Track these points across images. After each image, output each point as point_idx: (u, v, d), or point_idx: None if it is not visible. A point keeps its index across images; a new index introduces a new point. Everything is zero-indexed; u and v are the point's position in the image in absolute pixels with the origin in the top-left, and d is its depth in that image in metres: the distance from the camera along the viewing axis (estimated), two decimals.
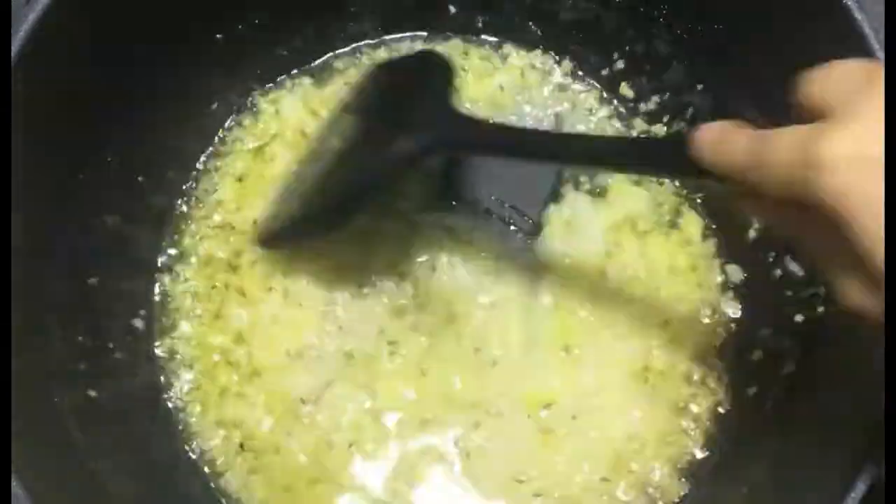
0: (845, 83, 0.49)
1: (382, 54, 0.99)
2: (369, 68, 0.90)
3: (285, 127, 0.96)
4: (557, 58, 0.99)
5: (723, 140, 0.54)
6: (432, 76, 0.76)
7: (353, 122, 0.83)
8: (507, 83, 0.97)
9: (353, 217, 0.80)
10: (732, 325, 0.90)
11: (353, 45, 0.99)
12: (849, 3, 0.72)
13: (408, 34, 0.99)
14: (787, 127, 0.50)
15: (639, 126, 0.97)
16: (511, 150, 0.73)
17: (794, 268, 0.83)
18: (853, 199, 0.44)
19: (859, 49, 0.71)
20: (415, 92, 0.77)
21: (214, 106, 0.96)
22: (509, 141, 0.73)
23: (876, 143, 0.44)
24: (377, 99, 0.83)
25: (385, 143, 0.73)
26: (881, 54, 0.71)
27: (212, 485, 0.85)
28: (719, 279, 0.92)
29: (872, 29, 0.72)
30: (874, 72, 0.48)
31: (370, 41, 0.99)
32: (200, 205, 0.94)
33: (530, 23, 0.98)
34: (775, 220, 0.59)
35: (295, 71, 0.98)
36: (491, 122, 0.80)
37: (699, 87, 0.92)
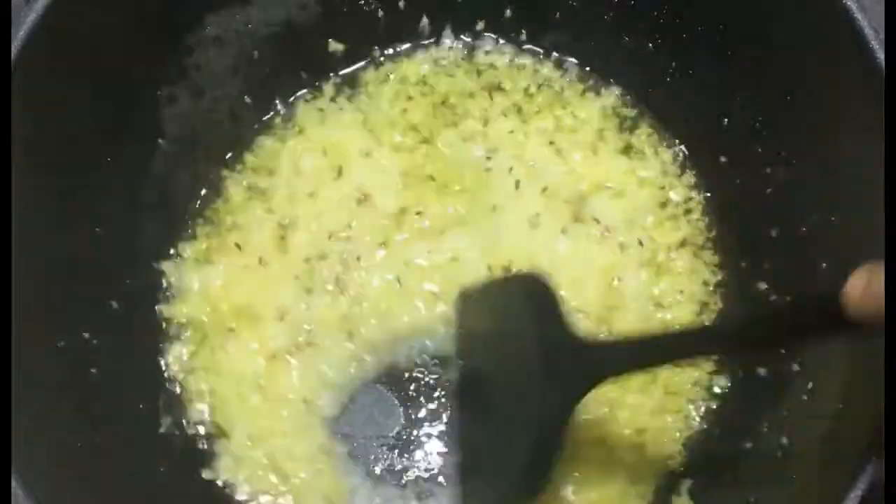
0: None
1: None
2: (469, 294, 0.83)
3: None
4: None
5: (870, 283, 0.54)
6: (544, 304, 0.70)
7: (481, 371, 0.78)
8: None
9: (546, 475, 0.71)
10: None
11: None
12: (849, 3, 0.72)
13: None
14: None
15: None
16: (655, 359, 0.70)
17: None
18: None
19: (859, 49, 0.72)
20: (536, 326, 0.69)
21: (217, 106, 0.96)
22: (652, 352, 0.69)
23: None
24: (489, 342, 0.77)
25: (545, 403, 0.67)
26: (881, 54, 0.71)
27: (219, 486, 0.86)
28: None
29: (872, 29, 0.72)
30: None
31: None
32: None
33: None
34: None
35: None
36: (622, 338, 0.74)
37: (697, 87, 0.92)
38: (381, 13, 0.97)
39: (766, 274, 0.88)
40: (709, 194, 0.94)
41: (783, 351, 0.81)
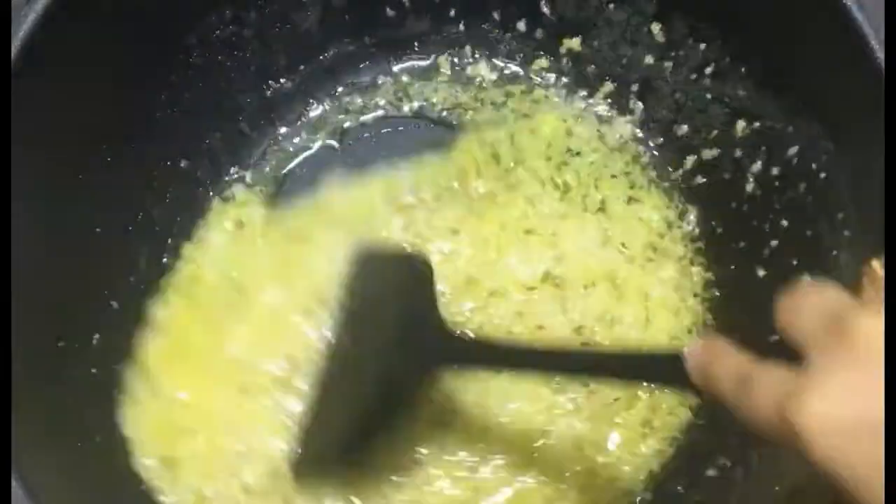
0: (817, 321, 0.46)
1: None
2: (355, 262, 0.85)
3: None
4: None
5: (711, 362, 0.53)
6: (420, 284, 0.78)
7: (351, 340, 0.82)
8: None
9: (375, 438, 0.81)
10: None
11: None
12: (849, 3, 0.72)
13: None
14: (771, 367, 0.47)
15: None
16: (504, 364, 0.76)
17: None
18: (841, 467, 0.42)
19: (859, 49, 0.72)
20: (405, 305, 0.78)
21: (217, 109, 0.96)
22: (504, 357, 0.75)
23: (851, 405, 0.42)
24: (368, 310, 0.81)
25: (394, 368, 0.76)
26: (881, 54, 0.71)
27: None
28: None
29: (872, 29, 0.72)
30: (846, 310, 0.45)
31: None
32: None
33: None
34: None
35: None
36: (482, 338, 0.81)
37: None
38: None
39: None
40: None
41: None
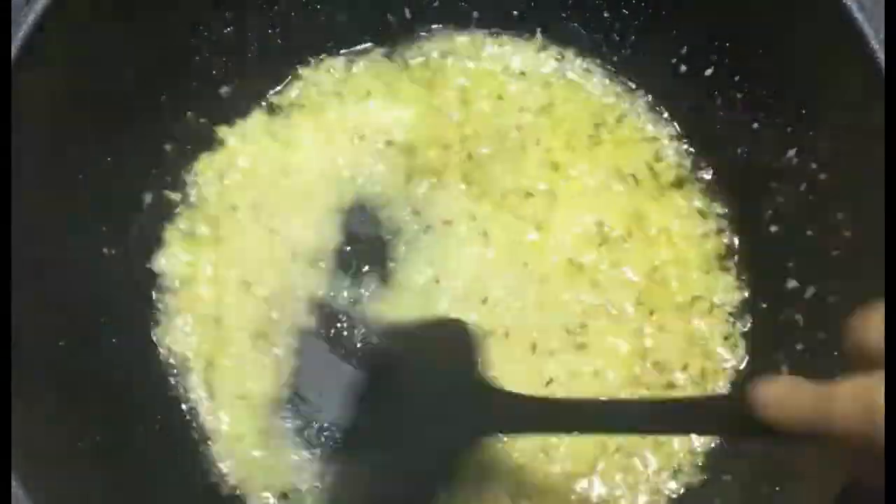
0: (882, 331, 0.50)
1: None
2: (391, 331, 0.85)
3: None
4: None
5: (788, 397, 0.54)
6: (464, 349, 0.75)
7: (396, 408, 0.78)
8: None
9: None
10: None
11: None
12: (849, 3, 0.72)
13: None
14: (847, 379, 0.51)
15: None
16: (560, 426, 0.73)
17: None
18: None
19: (859, 49, 0.72)
20: (451, 370, 0.75)
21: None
22: (559, 417, 0.71)
23: None
24: (411, 378, 0.78)
25: (441, 438, 0.73)
26: (881, 54, 0.71)
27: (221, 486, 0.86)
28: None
29: (872, 29, 0.72)
30: None
31: None
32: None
33: None
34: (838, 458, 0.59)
35: None
36: (533, 396, 0.73)
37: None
38: None
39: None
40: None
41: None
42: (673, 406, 0.68)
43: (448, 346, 0.77)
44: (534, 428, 0.75)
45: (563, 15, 0.97)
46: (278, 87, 0.98)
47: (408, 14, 0.98)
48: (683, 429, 0.69)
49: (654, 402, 0.77)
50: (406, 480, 0.74)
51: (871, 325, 0.51)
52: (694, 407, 0.67)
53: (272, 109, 0.97)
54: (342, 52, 0.99)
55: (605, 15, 0.95)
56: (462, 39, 0.99)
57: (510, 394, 0.72)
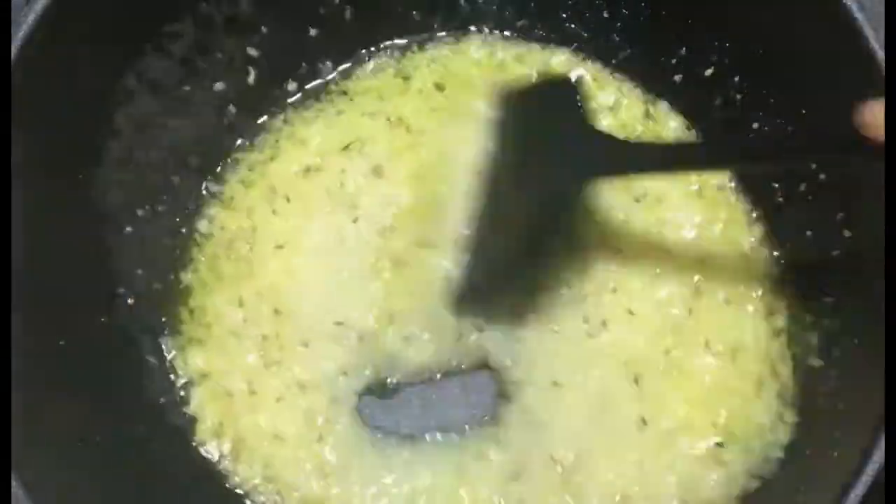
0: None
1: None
2: (504, 96, 0.87)
3: None
4: None
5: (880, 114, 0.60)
6: (569, 101, 0.79)
7: (507, 161, 0.83)
8: None
9: (538, 260, 0.84)
10: None
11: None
12: (849, 3, 0.72)
13: None
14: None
15: None
16: (670, 165, 0.77)
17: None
18: None
19: (859, 49, 0.72)
20: (559, 121, 0.79)
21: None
22: (670, 156, 0.77)
23: None
24: (524, 133, 0.83)
25: (555, 184, 0.77)
26: (881, 54, 0.71)
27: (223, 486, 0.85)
28: None
29: (872, 29, 0.72)
30: None
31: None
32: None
33: None
34: None
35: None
36: (640, 141, 0.83)
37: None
38: None
39: None
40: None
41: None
42: (775, 139, 0.74)
43: (558, 97, 0.80)
44: (642, 168, 0.78)
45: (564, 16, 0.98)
46: None
47: None
48: (783, 158, 0.73)
49: (771, 138, 0.84)
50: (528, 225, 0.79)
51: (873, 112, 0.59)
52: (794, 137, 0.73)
53: None
54: None
55: (605, 15, 0.95)
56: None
57: (614, 138, 0.77)
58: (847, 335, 0.79)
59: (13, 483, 0.62)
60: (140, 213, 0.89)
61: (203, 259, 0.92)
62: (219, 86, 0.93)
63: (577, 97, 0.78)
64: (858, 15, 0.72)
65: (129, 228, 0.88)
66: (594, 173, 0.77)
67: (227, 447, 0.86)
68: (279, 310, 0.88)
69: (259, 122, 0.97)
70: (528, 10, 0.98)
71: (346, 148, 0.94)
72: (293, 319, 0.88)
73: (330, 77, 0.98)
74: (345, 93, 0.98)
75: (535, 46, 0.99)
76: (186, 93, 0.91)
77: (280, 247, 0.90)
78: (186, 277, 0.91)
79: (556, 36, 0.99)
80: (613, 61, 0.97)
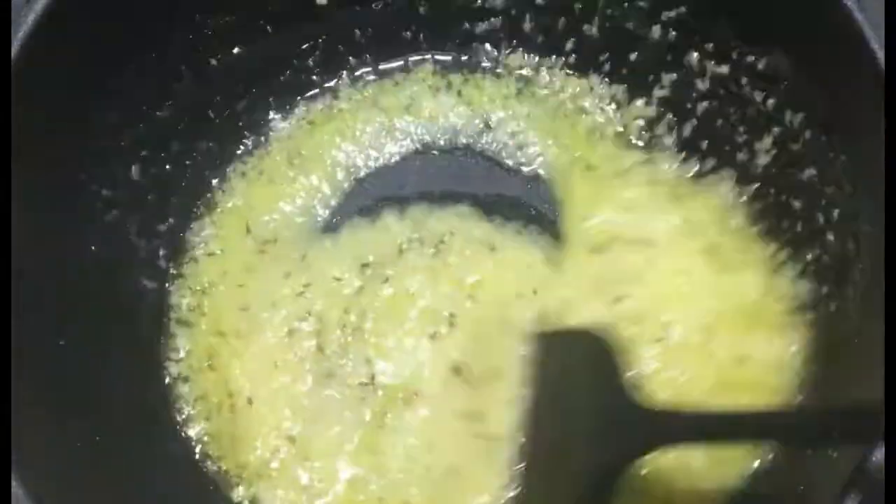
0: None
1: None
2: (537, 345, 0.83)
3: None
4: None
5: None
6: (607, 362, 0.74)
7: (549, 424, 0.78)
8: None
9: None
10: None
11: None
12: (849, 3, 0.72)
13: None
14: None
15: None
16: (718, 436, 0.72)
17: None
18: None
19: (859, 49, 0.72)
20: (597, 383, 0.74)
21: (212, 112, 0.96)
22: (717, 427, 0.70)
23: None
24: (559, 394, 0.78)
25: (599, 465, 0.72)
26: (881, 54, 0.71)
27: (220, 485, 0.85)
28: None
29: (872, 29, 0.72)
30: None
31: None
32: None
33: None
34: None
35: None
36: (686, 410, 0.72)
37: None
38: None
39: None
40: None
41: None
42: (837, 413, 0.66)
43: (591, 357, 0.75)
44: (691, 439, 0.73)
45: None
46: None
47: None
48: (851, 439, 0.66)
49: (820, 411, 0.75)
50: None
51: None
52: (843, 415, 0.65)
53: None
54: None
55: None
56: None
57: (661, 410, 0.71)
58: (847, 334, 0.79)
59: (13, 483, 0.62)
60: (138, 215, 0.89)
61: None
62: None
63: (612, 358, 0.73)
64: (858, 15, 0.72)
65: (129, 228, 0.88)
66: (638, 451, 0.71)
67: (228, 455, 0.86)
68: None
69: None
70: None
71: None
72: None
73: None
74: None
75: None
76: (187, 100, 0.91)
77: None
78: (187, 276, 0.92)
79: None
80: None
